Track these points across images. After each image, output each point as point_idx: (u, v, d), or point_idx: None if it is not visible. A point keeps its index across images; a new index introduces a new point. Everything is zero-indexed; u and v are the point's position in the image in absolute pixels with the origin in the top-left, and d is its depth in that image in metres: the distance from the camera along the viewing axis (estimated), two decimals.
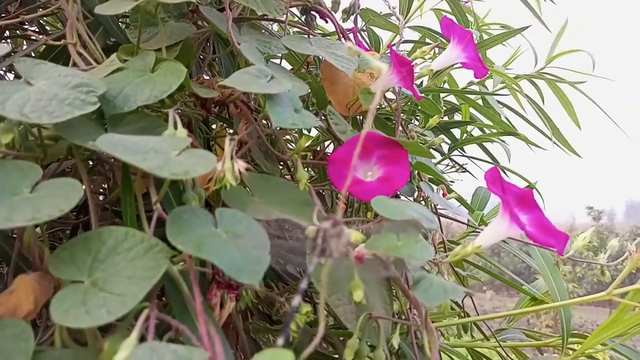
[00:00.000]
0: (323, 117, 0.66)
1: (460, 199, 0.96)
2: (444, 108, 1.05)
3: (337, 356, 0.65)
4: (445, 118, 1.11)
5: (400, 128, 0.73)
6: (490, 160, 1.11)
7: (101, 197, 0.68)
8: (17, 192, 0.38)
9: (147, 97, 0.48)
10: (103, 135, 0.39)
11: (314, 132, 0.79)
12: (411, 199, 0.69)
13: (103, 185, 0.69)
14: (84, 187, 0.44)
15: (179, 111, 0.62)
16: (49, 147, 0.50)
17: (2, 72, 0.81)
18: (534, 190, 0.47)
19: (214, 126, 0.80)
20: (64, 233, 0.60)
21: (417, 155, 0.64)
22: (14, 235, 0.49)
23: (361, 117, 0.74)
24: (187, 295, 0.40)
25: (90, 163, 0.60)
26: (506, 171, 1.08)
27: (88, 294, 0.36)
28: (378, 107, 0.80)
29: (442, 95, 1.03)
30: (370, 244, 0.48)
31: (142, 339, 0.36)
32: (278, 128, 0.58)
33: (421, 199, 0.74)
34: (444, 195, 0.86)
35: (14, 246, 0.49)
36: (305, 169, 0.72)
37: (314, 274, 0.51)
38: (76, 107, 0.42)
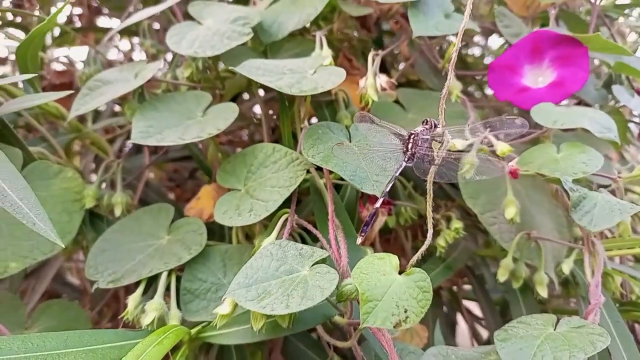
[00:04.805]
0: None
1: None
2: None
3: None
4: None
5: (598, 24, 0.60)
6: None
7: None
8: (192, 116, 0.47)
9: (296, 23, 0.51)
10: (246, 61, 0.44)
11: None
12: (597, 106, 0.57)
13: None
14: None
15: (340, 35, 0.63)
16: (227, 80, 0.58)
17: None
18: None
19: None
20: None
21: (611, 53, 0.52)
22: None
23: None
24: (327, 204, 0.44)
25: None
26: None
27: (242, 199, 0.43)
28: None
29: None
30: (524, 158, 0.43)
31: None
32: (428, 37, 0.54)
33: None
34: None
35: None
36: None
37: (465, 191, 0.48)
38: (233, 39, 0.48)
